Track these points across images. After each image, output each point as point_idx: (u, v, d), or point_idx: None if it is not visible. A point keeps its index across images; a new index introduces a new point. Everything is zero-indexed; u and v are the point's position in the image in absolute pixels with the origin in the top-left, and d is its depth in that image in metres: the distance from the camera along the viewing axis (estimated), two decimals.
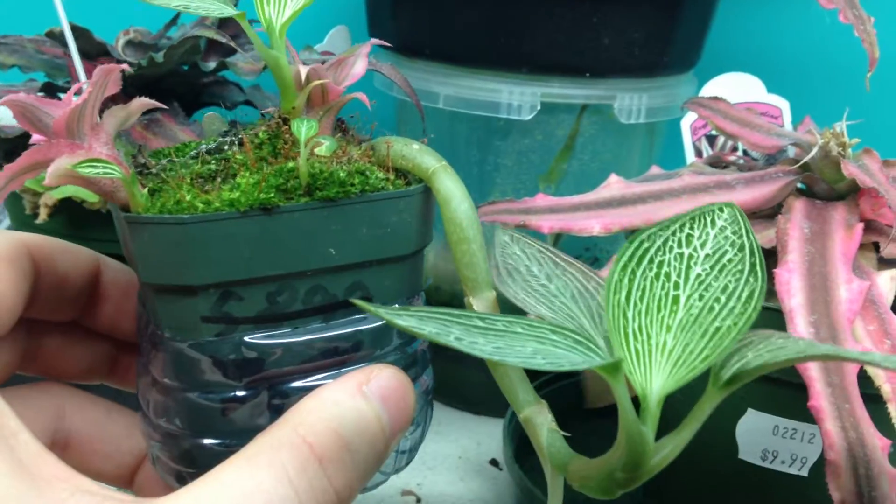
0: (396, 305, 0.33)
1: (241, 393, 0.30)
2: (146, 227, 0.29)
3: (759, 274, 0.29)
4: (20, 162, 0.28)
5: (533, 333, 0.26)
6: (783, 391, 0.46)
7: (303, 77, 0.32)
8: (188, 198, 0.29)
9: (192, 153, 0.33)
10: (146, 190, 0.30)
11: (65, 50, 0.60)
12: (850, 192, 0.50)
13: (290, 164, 0.31)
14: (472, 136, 0.66)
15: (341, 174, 0.31)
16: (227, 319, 0.30)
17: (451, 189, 0.32)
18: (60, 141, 0.28)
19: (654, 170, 0.59)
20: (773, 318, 0.44)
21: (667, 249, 0.29)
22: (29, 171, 0.29)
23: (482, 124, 0.65)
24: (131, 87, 0.61)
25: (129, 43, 0.62)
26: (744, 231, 0.31)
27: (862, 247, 0.47)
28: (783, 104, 0.61)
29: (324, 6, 0.82)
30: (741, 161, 0.61)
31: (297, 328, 0.31)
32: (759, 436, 0.47)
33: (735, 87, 0.62)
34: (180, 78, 0.63)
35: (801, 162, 0.49)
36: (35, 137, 0.28)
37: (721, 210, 0.32)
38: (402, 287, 0.33)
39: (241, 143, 0.33)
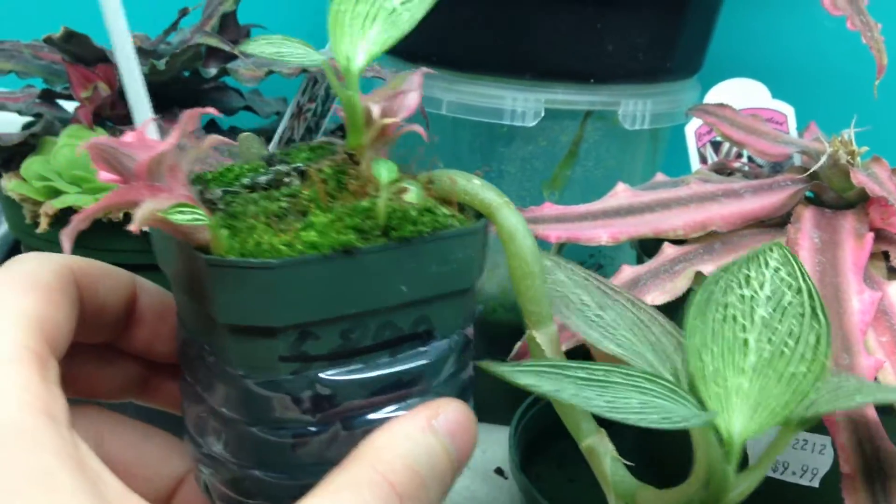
0: (456, 336, 0.33)
1: (313, 428, 0.31)
2: (231, 271, 0.29)
3: (822, 318, 0.30)
4: (102, 204, 0.27)
5: (631, 383, 0.27)
6: None
7: (375, 115, 0.32)
8: (267, 238, 0.29)
9: (245, 181, 0.33)
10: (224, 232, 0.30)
11: (63, 56, 0.59)
12: (860, 201, 0.50)
13: (365, 204, 0.31)
14: (475, 142, 0.65)
15: (413, 213, 0.31)
16: (304, 358, 0.30)
17: (515, 225, 0.33)
18: (141, 183, 0.28)
19: (660, 177, 0.58)
20: None
21: (729, 290, 0.31)
22: (110, 210, 0.28)
23: (485, 131, 0.64)
24: None
25: None
26: (798, 273, 0.32)
27: (872, 256, 0.46)
28: (788, 110, 0.61)
29: (324, 11, 0.81)
30: (746, 167, 0.61)
31: (368, 363, 0.31)
32: None
33: (739, 93, 0.62)
34: (181, 84, 0.62)
35: (810, 171, 0.49)
36: (105, 176, 0.28)
37: (771, 250, 0.33)
38: (461, 318, 0.34)
39: (302, 174, 0.33)
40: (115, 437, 0.34)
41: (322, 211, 0.31)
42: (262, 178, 0.32)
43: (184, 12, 0.63)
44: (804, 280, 0.31)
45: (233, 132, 0.68)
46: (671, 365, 0.33)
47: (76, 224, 0.27)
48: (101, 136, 0.27)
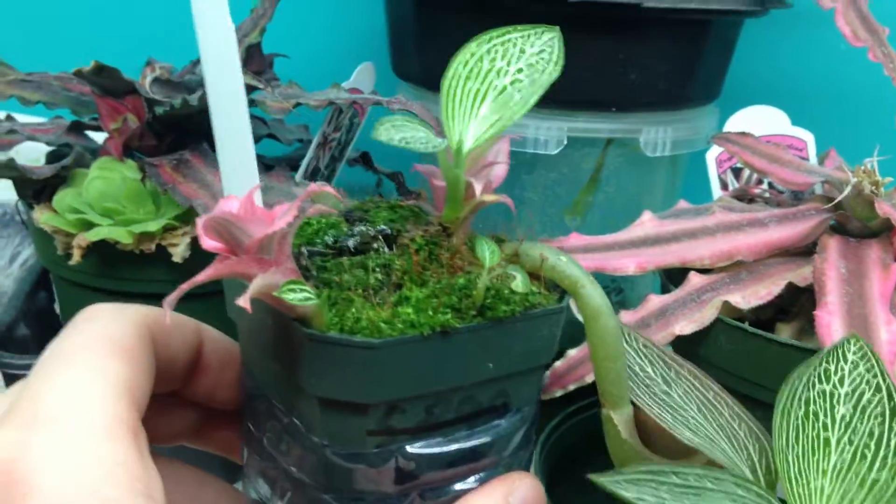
0: (528, 408, 0.34)
1: (391, 500, 0.31)
2: (331, 348, 0.29)
3: None
4: (209, 272, 0.27)
5: (722, 489, 0.27)
6: None
7: (477, 192, 0.32)
8: (366, 314, 0.29)
9: (328, 239, 0.33)
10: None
11: (93, 88, 0.60)
12: (884, 230, 0.50)
13: (461, 280, 0.31)
14: None
15: (506, 291, 0.31)
16: (389, 432, 0.30)
17: (599, 305, 0.33)
18: (250, 257, 0.28)
19: (682, 204, 0.59)
20: None
21: (811, 385, 0.30)
22: (216, 279, 0.28)
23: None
24: (159, 124, 0.61)
25: (155, 80, 0.62)
26: (877, 370, 0.31)
27: None
28: (808, 137, 0.62)
29: (346, 41, 0.82)
30: (766, 194, 0.61)
31: (447, 436, 0.31)
32: None
33: (759, 120, 0.63)
34: (207, 115, 0.63)
35: (836, 202, 0.50)
36: (210, 245, 0.27)
37: (849, 342, 0.32)
38: (536, 391, 0.34)
39: (387, 238, 0.33)
40: (173, 484, 0.33)
41: (416, 285, 0.31)
42: (349, 242, 0.33)
43: None
44: (883, 378, 0.31)
45: (258, 161, 0.69)
46: (747, 455, 0.33)
47: (180, 291, 0.26)
48: (218, 213, 0.27)
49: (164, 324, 0.32)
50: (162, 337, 0.32)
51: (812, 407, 0.30)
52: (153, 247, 0.54)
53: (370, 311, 0.29)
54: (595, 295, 0.33)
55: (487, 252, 0.31)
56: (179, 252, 0.53)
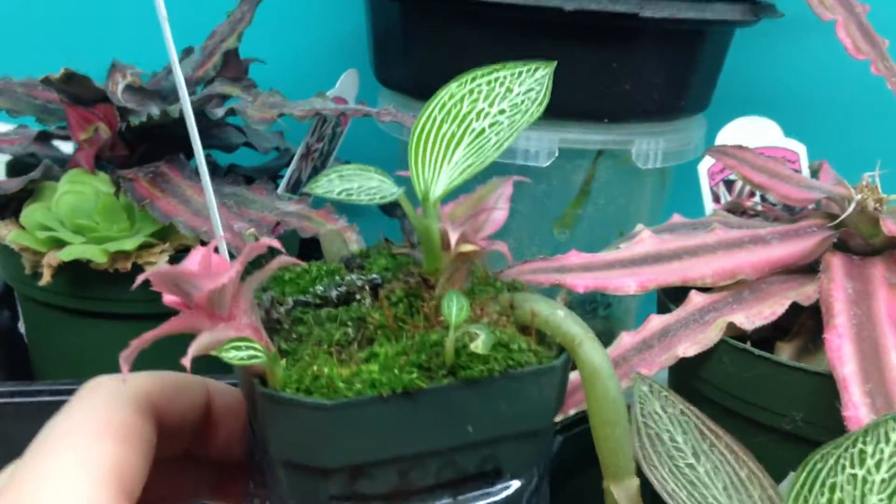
0: (528, 476, 0.31)
1: None
2: (284, 407, 0.28)
3: None
4: (161, 330, 0.27)
5: None
6: None
7: (452, 242, 0.30)
8: (327, 371, 0.28)
9: (320, 289, 0.31)
10: (283, 360, 0.29)
11: (61, 97, 0.56)
12: (887, 248, 0.49)
13: (434, 336, 0.29)
14: (485, 179, 0.64)
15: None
16: (357, 497, 0.28)
17: (599, 365, 0.31)
18: (201, 311, 0.27)
19: (676, 218, 0.57)
20: (823, 384, 0.43)
21: (839, 469, 0.28)
22: (168, 335, 0.27)
23: (495, 169, 0.63)
24: (131, 134, 0.58)
25: (127, 88, 0.58)
26: None
27: None
28: (800, 148, 0.61)
29: (327, 47, 0.79)
30: (759, 207, 0.60)
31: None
32: None
33: (750, 132, 0.62)
34: (182, 123, 0.60)
35: (840, 219, 0.49)
36: (169, 300, 0.27)
37: (893, 421, 0.30)
38: (535, 457, 0.32)
39: (373, 292, 0.31)
40: None
41: (388, 340, 0.29)
42: (334, 293, 0.31)
43: (188, 51, 0.61)
44: None
45: (233, 171, 0.66)
46: None
47: (133, 349, 0.26)
48: (162, 266, 0.28)
49: (167, 391, 0.31)
50: (167, 402, 0.31)
51: (838, 494, 0.27)
52: (129, 266, 0.51)
53: (332, 369, 0.28)
54: (594, 353, 0.31)
55: (455, 308, 0.29)
56: None
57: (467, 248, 0.30)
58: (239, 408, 0.34)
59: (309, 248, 0.58)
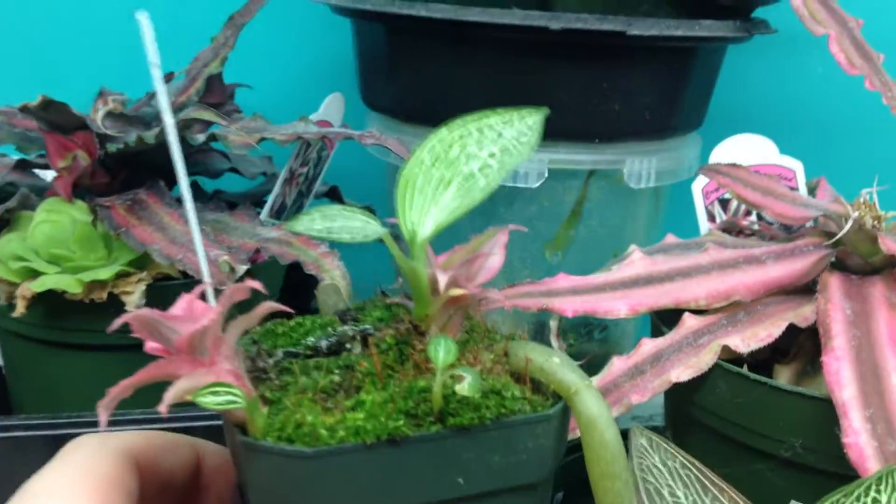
0: None
1: None
2: (263, 456, 0.27)
3: None
4: (139, 377, 0.27)
5: None
6: (828, 483, 0.44)
7: (441, 286, 0.29)
8: (309, 419, 0.27)
9: (310, 341, 0.31)
10: (265, 407, 0.28)
11: (40, 124, 0.55)
12: (886, 266, 0.48)
13: (422, 383, 0.28)
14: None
15: (476, 397, 0.28)
16: None
17: (596, 414, 0.30)
18: (181, 356, 0.27)
19: (670, 238, 0.56)
20: (822, 409, 0.41)
21: None
22: (146, 383, 0.27)
23: None
24: (111, 161, 0.57)
25: (108, 114, 0.57)
26: None
27: None
28: (797, 166, 0.59)
29: (313, 71, 0.79)
30: (755, 226, 0.59)
31: None
32: None
33: (746, 149, 0.60)
34: (164, 150, 0.58)
35: (837, 238, 0.47)
36: (151, 346, 0.27)
37: None
38: None
39: (364, 341, 0.31)
40: None
41: (376, 388, 0.29)
42: (325, 343, 0.31)
43: (170, 76, 0.60)
44: None
45: (217, 196, 0.65)
46: None
47: (112, 397, 0.26)
48: (143, 310, 0.27)
49: (153, 449, 0.31)
50: (152, 460, 0.31)
51: None
52: (104, 295, 0.50)
53: (316, 417, 0.27)
54: (591, 402, 0.29)
55: (442, 351, 0.28)
56: (133, 301, 0.49)
57: (457, 292, 0.30)
58: (230, 470, 0.33)
59: (297, 271, 0.56)
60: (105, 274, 0.49)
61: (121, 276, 0.50)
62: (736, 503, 0.31)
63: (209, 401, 0.26)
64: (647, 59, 0.56)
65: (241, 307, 0.29)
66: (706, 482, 0.32)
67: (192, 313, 0.27)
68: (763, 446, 0.44)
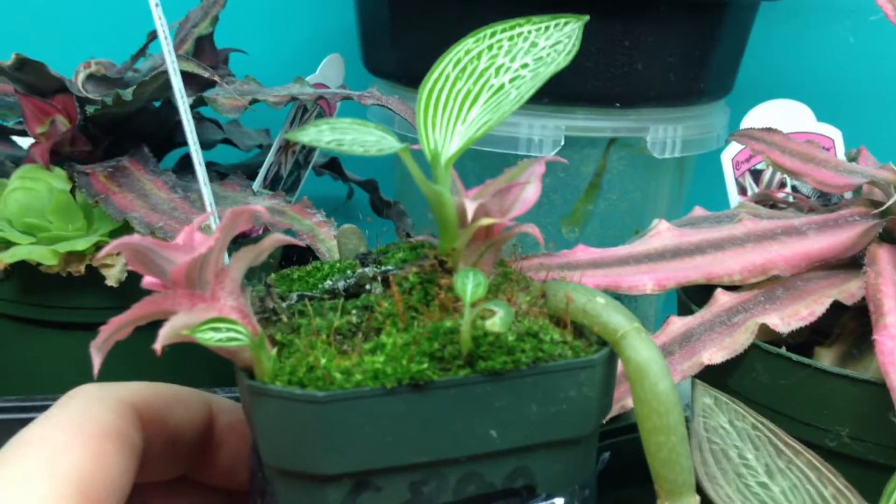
0: (568, 495, 0.28)
1: None
2: (272, 401, 0.25)
3: None
4: (132, 313, 0.24)
5: None
6: (879, 476, 0.40)
7: (469, 214, 0.26)
8: (323, 362, 0.25)
9: (327, 284, 0.29)
10: (274, 349, 0.26)
11: (16, 87, 0.51)
12: None
13: (448, 323, 0.25)
14: (483, 174, 0.58)
15: (510, 338, 0.25)
16: None
17: (647, 360, 0.26)
18: (178, 291, 0.25)
19: (698, 211, 0.52)
20: (872, 393, 0.37)
21: None
22: (141, 321, 0.25)
23: (496, 161, 0.57)
24: (94, 127, 0.53)
25: (90, 77, 0.54)
26: None
27: None
28: (835, 134, 0.55)
29: (312, 34, 0.75)
30: (791, 197, 0.54)
31: None
32: None
33: (780, 116, 0.56)
34: (151, 116, 0.55)
35: (886, 206, 0.43)
36: (148, 281, 0.25)
37: None
38: (575, 473, 0.28)
39: (385, 283, 0.28)
40: None
41: (397, 329, 0.26)
42: (342, 284, 0.29)
43: (153, 36, 0.56)
44: None
45: (211, 168, 0.61)
46: None
47: (106, 336, 0.24)
48: (135, 237, 0.24)
49: (159, 401, 0.29)
50: (158, 414, 0.29)
51: None
52: (83, 268, 0.46)
53: (330, 359, 0.25)
54: (640, 347, 0.26)
55: (470, 284, 0.25)
56: (114, 274, 0.45)
57: (487, 221, 0.26)
58: (245, 427, 0.31)
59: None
60: (82, 245, 0.45)
61: (100, 247, 0.46)
62: (813, 467, 0.28)
63: (209, 337, 0.24)
64: (673, 15, 0.52)
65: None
66: (780, 444, 0.30)
67: (191, 243, 0.25)
68: (806, 435, 0.40)
